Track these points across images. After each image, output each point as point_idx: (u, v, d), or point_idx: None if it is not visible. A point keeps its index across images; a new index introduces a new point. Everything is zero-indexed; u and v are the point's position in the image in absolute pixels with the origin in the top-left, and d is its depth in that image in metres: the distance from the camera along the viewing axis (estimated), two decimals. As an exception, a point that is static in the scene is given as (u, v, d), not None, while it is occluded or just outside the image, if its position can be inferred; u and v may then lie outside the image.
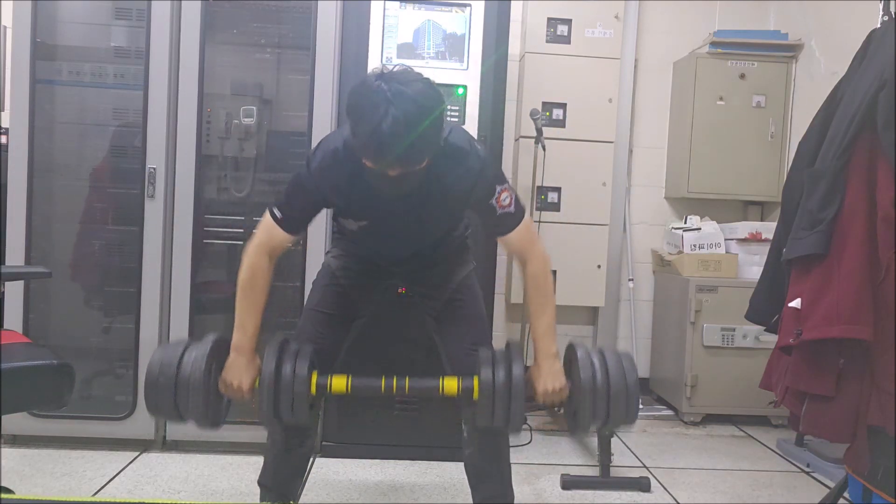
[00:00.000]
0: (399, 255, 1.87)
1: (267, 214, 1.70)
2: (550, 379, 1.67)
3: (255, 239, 1.71)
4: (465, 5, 2.56)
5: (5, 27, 2.87)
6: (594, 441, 2.63)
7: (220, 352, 1.67)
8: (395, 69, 1.49)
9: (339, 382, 1.67)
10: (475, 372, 1.68)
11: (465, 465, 1.90)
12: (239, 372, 1.64)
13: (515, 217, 1.70)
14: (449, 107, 2.47)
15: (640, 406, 3.51)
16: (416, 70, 1.53)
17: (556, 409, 1.77)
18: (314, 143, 2.49)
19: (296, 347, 1.67)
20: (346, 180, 1.64)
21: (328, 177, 1.65)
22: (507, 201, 1.68)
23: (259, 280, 1.69)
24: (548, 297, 1.73)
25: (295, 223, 1.71)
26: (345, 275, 1.89)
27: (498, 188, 1.67)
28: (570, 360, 1.71)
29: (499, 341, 1.94)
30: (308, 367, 1.62)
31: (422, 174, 1.55)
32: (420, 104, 1.44)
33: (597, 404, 1.60)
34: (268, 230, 1.69)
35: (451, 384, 1.67)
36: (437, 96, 1.50)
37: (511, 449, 1.93)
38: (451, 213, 1.82)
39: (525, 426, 3.00)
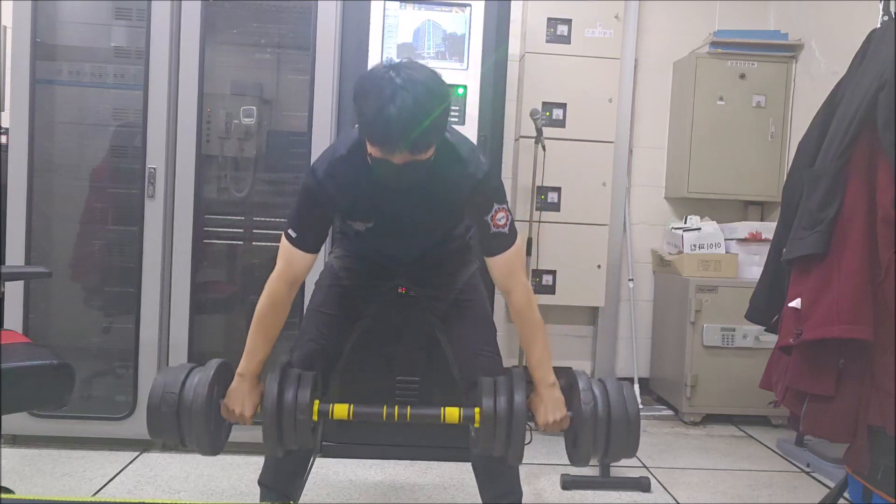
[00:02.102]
0: (403, 256, 1.87)
1: (283, 239, 1.69)
2: (552, 408, 1.66)
3: (276, 269, 1.70)
4: (465, 5, 2.56)
5: (5, 27, 2.87)
6: (594, 441, 2.62)
7: (223, 376, 1.68)
8: (402, 61, 1.50)
9: (340, 410, 1.68)
10: (484, 374, 1.68)
11: (473, 465, 1.91)
12: (241, 398, 1.65)
13: (508, 240, 1.68)
14: (451, 105, 2.47)
15: (640, 402, 3.52)
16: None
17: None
18: (315, 143, 2.51)
19: (297, 373, 1.67)
20: (352, 181, 1.64)
21: (335, 180, 1.64)
22: (503, 222, 1.66)
23: (277, 309, 1.69)
24: (537, 327, 1.72)
25: (310, 239, 1.69)
26: (347, 275, 1.89)
27: (496, 206, 1.65)
28: (570, 388, 1.70)
29: (499, 341, 1.94)
30: (310, 394, 1.63)
31: (426, 166, 1.55)
32: (428, 88, 1.44)
33: (597, 435, 1.60)
34: (286, 256, 1.68)
35: (452, 413, 1.67)
36: (444, 85, 1.50)
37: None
38: (452, 213, 1.82)
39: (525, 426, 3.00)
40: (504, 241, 1.67)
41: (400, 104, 1.40)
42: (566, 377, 1.73)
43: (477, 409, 1.64)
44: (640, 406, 3.51)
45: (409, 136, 1.43)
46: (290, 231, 1.68)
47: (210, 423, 1.62)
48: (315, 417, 1.64)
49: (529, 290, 1.73)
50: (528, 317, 1.71)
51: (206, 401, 1.59)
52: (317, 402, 1.66)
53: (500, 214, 1.66)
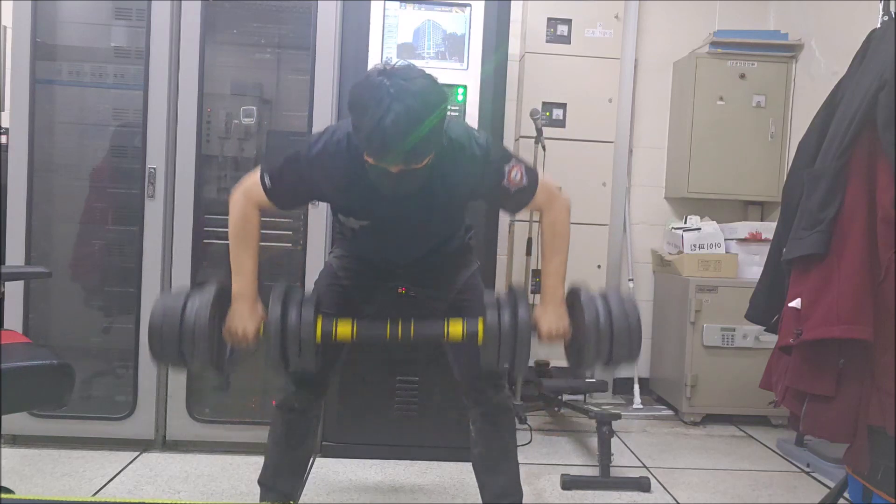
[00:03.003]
0: (402, 257, 1.86)
1: (256, 175, 1.67)
2: (554, 320, 1.67)
3: (241, 189, 1.68)
4: (465, 5, 2.56)
5: (5, 27, 2.87)
6: (594, 441, 2.63)
7: (223, 300, 1.65)
8: (397, 65, 1.49)
9: (344, 328, 1.66)
10: (482, 375, 1.67)
11: (474, 464, 1.91)
12: (243, 319, 1.63)
13: (531, 187, 1.68)
14: (449, 107, 2.47)
15: (640, 402, 3.53)
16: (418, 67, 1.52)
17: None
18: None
19: (300, 293, 1.65)
20: (345, 176, 1.62)
21: (326, 168, 1.63)
22: (518, 177, 1.65)
23: (250, 225, 1.68)
24: (563, 241, 1.73)
25: (281, 200, 1.69)
26: (346, 275, 1.88)
27: (506, 168, 1.65)
28: (573, 302, 1.70)
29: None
30: (313, 312, 1.61)
31: (425, 172, 1.54)
32: (423, 99, 1.43)
33: (600, 344, 1.61)
34: (254, 190, 1.67)
35: (455, 328, 1.66)
36: (440, 92, 1.49)
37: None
38: (456, 211, 1.81)
39: (525, 426, 3.00)
40: (528, 190, 1.68)
41: (394, 118, 1.39)
42: (568, 293, 1.74)
43: (481, 322, 1.63)
44: (641, 405, 3.52)
45: (404, 148, 1.42)
46: (266, 178, 1.65)
47: (213, 346, 1.60)
48: (319, 337, 1.63)
49: (567, 207, 1.74)
50: (559, 230, 1.72)
51: (207, 323, 1.56)
52: (320, 318, 1.64)
53: (514, 171, 1.65)
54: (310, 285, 1.97)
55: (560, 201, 1.73)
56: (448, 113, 1.55)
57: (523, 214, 3.19)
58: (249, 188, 1.68)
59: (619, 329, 1.61)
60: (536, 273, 3.33)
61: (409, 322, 1.67)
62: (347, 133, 1.60)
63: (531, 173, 1.69)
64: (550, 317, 1.67)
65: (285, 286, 1.66)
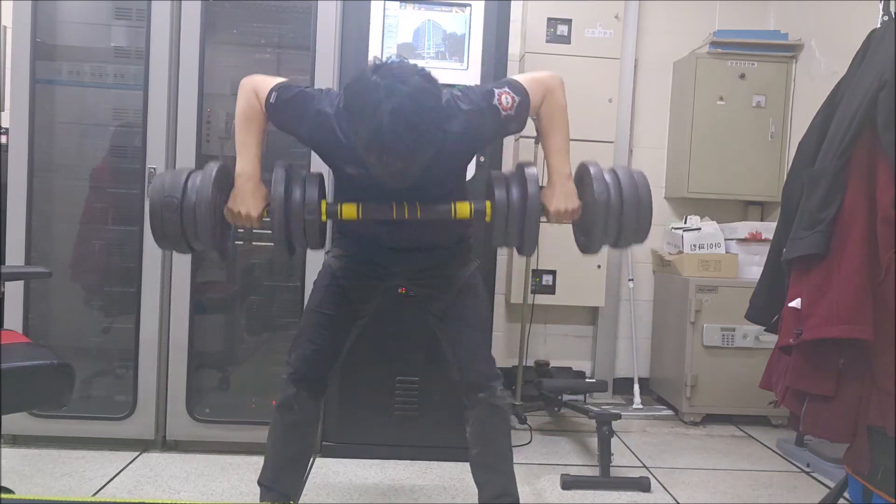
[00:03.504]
0: (402, 241, 1.83)
1: (272, 82, 1.66)
2: (563, 198, 1.65)
3: (253, 83, 1.68)
4: (465, 5, 2.56)
5: (5, 27, 2.87)
6: (594, 441, 2.62)
7: (224, 181, 1.63)
8: (391, 62, 1.48)
9: (349, 210, 1.63)
10: (481, 375, 1.66)
11: (471, 465, 1.91)
12: (246, 199, 1.62)
13: (524, 99, 1.66)
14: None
15: (640, 402, 3.52)
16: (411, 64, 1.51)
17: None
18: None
19: (304, 173, 1.64)
20: (344, 147, 1.61)
21: (328, 131, 1.62)
22: (510, 100, 1.64)
23: (258, 113, 1.67)
24: (561, 117, 1.70)
25: (276, 122, 1.69)
26: (345, 275, 1.88)
27: (494, 103, 1.63)
28: (582, 178, 1.68)
29: (499, 341, 1.94)
30: (318, 192, 1.59)
31: (425, 162, 1.54)
32: (418, 100, 1.42)
33: (609, 220, 1.58)
34: (262, 91, 1.66)
35: (463, 207, 1.64)
36: (434, 91, 1.49)
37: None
38: (459, 169, 1.79)
39: (525, 426, 3.00)
40: (524, 102, 1.65)
41: (391, 124, 1.38)
42: (577, 169, 1.71)
43: (488, 203, 1.61)
44: (641, 405, 3.52)
45: (403, 154, 1.43)
46: (272, 95, 1.64)
47: (216, 227, 1.58)
48: (324, 217, 1.61)
49: (562, 86, 1.71)
50: (555, 108, 1.69)
51: (210, 202, 1.53)
52: (324, 201, 1.62)
53: (504, 98, 1.64)
54: (309, 285, 1.97)
55: (552, 89, 1.70)
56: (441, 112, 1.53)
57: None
58: (260, 87, 1.67)
59: (628, 205, 1.57)
60: (537, 273, 3.34)
61: (415, 203, 1.64)
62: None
63: (516, 86, 1.67)
64: (558, 194, 1.65)
65: (287, 166, 1.63)
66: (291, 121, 1.68)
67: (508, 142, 3.36)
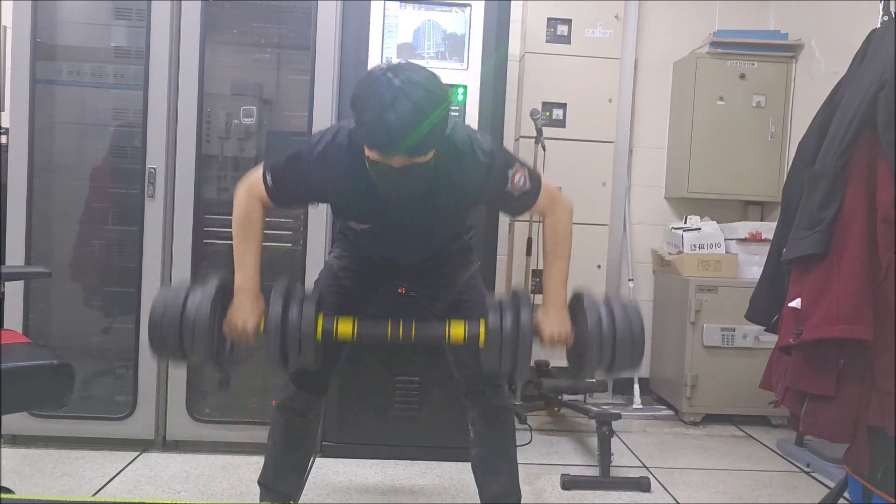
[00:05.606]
0: (404, 259, 1.86)
1: (259, 171, 1.67)
2: (557, 324, 1.67)
3: (245, 184, 1.69)
4: (465, 5, 2.56)
5: (5, 27, 2.87)
6: (594, 441, 2.63)
7: (224, 295, 1.65)
8: (400, 63, 1.49)
9: (345, 327, 1.66)
10: (481, 375, 1.66)
11: (473, 466, 1.90)
12: (244, 313, 1.63)
13: (534, 191, 1.68)
14: (451, 105, 2.47)
15: (640, 402, 3.52)
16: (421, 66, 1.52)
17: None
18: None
19: (302, 291, 1.65)
20: (347, 177, 1.62)
21: (328, 169, 1.62)
22: (522, 181, 1.65)
23: (253, 220, 1.68)
24: (565, 245, 1.73)
25: (282, 200, 1.70)
26: (347, 275, 1.88)
27: (510, 173, 1.64)
28: (576, 306, 1.70)
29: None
30: (315, 309, 1.61)
31: (427, 173, 1.54)
32: (427, 92, 1.42)
33: (602, 350, 1.61)
34: (257, 186, 1.67)
35: (457, 330, 1.66)
36: (443, 87, 1.49)
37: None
38: (458, 215, 1.81)
39: (525, 426, 3.00)
40: (531, 194, 1.67)
41: (400, 109, 1.39)
42: (572, 297, 1.73)
43: (482, 323, 1.63)
44: (641, 405, 3.52)
45: (408, 140, 1.41)
46: (268, 177, 1.66)
47: (213, 340, 1.60)
48: (319, 335, 1.62)
49: (570, 212, 1.74)
50: (560, 234, 1.72)
51: (208, 317, 1.56)
52: (321, 316, 1.64)
53: (518, 176, 1.65)
54: (310, 285, 1.97)
55: (562, 205, 1.73)
56: (450, 112, 1.55)
57: (524, 215, 3.20)
58: (252, 184, 1.68)
59: (621, 336, 1.60)
60: (537, 273, 3.34)
61: (411, 322, 1.67)
62: (349, 133, 1.60)
63: (534, 177, 1.69)
64: (553, 321, 1.67)
65: (287, 282, 1.65)
66: (295, 190, 1.68)
67: (508, 142, 3.36)
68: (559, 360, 3.59)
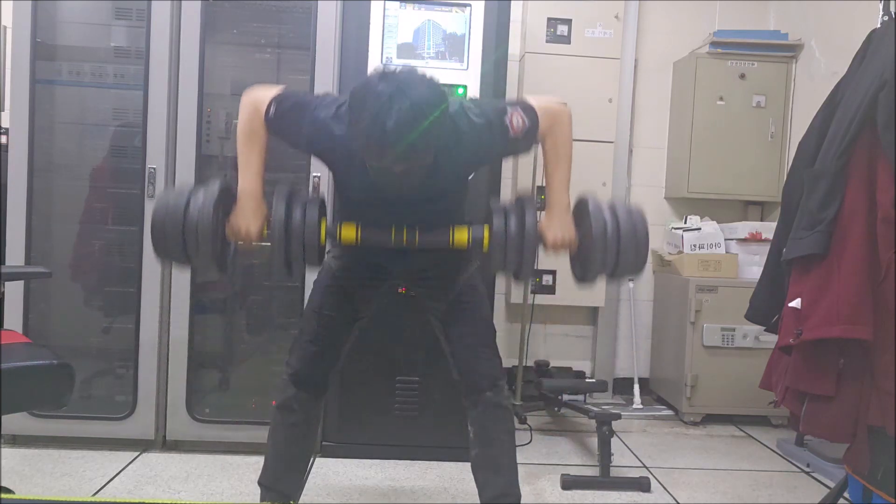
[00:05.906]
0: (400, 220, 1.79)
1: (269, 95, 1.66)
2: (560, 229, 1.67)
3: (253, 97, 1.68)
4: (465, 5, 2.56)
5: (5, 27, 2.87)
6: (594, 441, 2.62)
7: (226, 199, 1.65)
8: (398, 70, 1.48)
9: (348, 231, 1.66)
10: (481, 375, 1.66)
11: (472, 466, 1.90)
12: (247, 217, 1.64)
13: (534, 123, 1.66)
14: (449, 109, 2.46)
15: (640, 402, 3.52)
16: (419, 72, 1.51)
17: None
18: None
19: (305, 195, 1.65)
20: (345, 157, 1.62)
21: (328, 139, 1.62)
22: (520, 122, 1.64)
23: (257, 128, 1.68)
24: (566, 152, 1.72)
25: (276, 133, 1.70)
26: (345, 275, 1.88)
27: (506, 120, 1.64)
28: (580, 211, 1.70)
29: (499, 341, 1.94)
30: (318, 213, 1.61)
31: (427, 168, 1.54)
32: (422, 103, 1.42)
33: (607, 253, 1.61)
34: (261, 105, 1.66)
35: (461, 234, 1.66)
36: (439, 89, 1.49)
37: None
38: (461, 183, 1.80)
39: (525, 426, 3.00)
40: (533, 127, 1.66)
41: (391, 120, 1.39)
42: (576, 203, 1.73)
43: (486, 228, 1.62)
44: (641, 405, 3.52)
45: (401, 150, 1.42)
46: (271, 107, 1.65)
47: (217, 242, 1.60)
48: (323, 239, 1.63)
49: (567, 119, 1.72)
50: (561, 141, 1.70)
51: (211, 219, 1.56)
52: (324, 220, 1.64)
53: (515, 118, 1.64)
54: (309, 285, 1.97)
55: (560, 117, 1.71)
56: (448, 110, 1.54)
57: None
58: (258, 103, 1.68)
59: (625, 239, 1.60)
60: (537, 273, 3.34)
61: (415, 228, 1.66)
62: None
63: (529, 110, 1.67)
64: (556, 226, 1.67)
65: (289, 186, 1.65)
66: (290, 132, 1.69)
67: (508, 142, 3.36)
68: (559, 360, 3.61)
